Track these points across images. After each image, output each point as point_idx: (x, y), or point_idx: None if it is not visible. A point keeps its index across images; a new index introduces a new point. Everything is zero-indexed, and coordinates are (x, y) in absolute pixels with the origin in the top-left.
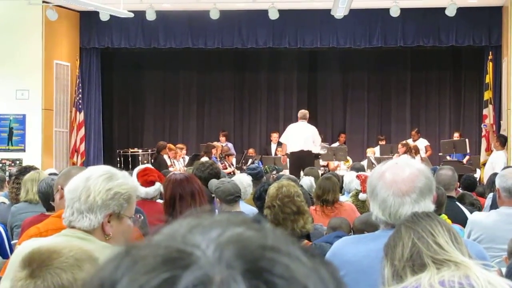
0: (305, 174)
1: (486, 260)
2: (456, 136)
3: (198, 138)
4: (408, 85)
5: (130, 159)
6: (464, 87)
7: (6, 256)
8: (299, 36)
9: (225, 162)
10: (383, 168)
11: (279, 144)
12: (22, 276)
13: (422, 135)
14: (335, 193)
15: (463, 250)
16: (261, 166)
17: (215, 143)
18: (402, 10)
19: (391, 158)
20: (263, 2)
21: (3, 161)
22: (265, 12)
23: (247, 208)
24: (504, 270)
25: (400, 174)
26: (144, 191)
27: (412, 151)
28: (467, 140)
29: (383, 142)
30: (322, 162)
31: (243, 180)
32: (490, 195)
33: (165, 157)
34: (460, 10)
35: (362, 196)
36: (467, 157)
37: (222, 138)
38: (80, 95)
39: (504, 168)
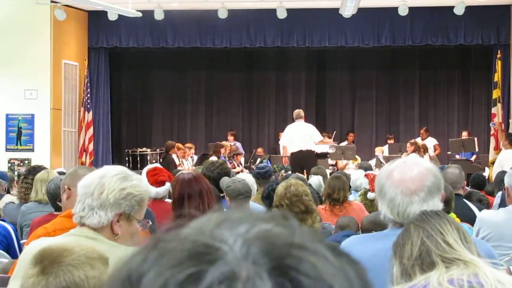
0: (314, 173)
1: (495, 259)
2: (464, 135)
3: (207, 138)
4: (416, 84)
5: (138, 159)
6: (473, 86)
7: (15, 256)
8: (307, 35)
9: (234, 162)
10: (392, 167)
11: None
12: (34, 273)
13: (430, 134)
14: (344, 192)
15: (472, 248)
16: (270, 165)
17: (223, 143)
18: (411, 8)
19: (399, 157)
20: (271, 1)
21: (12, 161)
22: (273, 11)
23: (254, 207)
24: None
25: (408, 173)
26: (155, 191)
27: (421, 150)
28: (475, 139)
29: (392, 141)
30: (330, 161)
31: (246, 180)
32: (499, 193)
33: (174, 156)
34: (469, 8)
35: (370, 195)
36: (475, 156)
37: (230, 138)
38: (88, 95)
39: None
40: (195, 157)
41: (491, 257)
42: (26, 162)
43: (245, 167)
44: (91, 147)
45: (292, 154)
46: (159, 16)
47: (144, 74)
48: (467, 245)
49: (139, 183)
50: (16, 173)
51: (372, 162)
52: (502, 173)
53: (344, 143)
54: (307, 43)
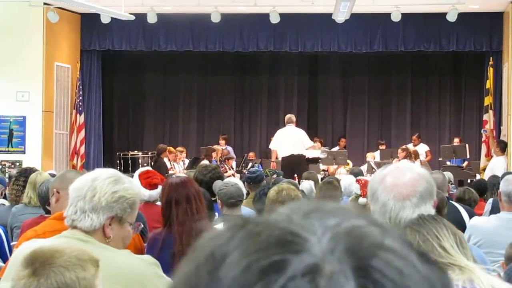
0: (305, 178)
1: (486, 265)
2: (456, 141)
3: (198, 141)
4: (408, 90)
5: (130, 162)
6: (465, 93)
7: (5, 258)
8: (300, 40)
9: (225, 166)
10: (384, 172)
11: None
12: (25, 275)
13: (422, 140)
14: (336, 197)
15: (468, 254)
16: (261, 169)
17: (215, 147)
18: (403, 15)
19: (390, 162)
20: (264, 6)
21: (3, 163)
22: (266, 16)
23: (245, 211)
24: (502, 275)
25: (401, 178)
26: (148, 194)
27: (412, 156)
28: (467, 145)
29: (383, 147)
30: (322, 166)
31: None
32: (490, 200)
33: (165, 160)
34: (461, 15)
35: (362, 200)
36: (466, 162)
37: (222, 142)
38: (80, 97)
39: (506, 173)
40: (187, 161)
41: (483, 263)
42: (17, 164)
43: (237, 171)
44: (82, 149)
45: (283, 158)
46: (152, 19)
47: (137, 77)
48: (463, 251)
49: (131, 186)
50: (7, 175)
51: (364, 168)
52: (494, 177)
53: (335, 148)
54: (299, 48)
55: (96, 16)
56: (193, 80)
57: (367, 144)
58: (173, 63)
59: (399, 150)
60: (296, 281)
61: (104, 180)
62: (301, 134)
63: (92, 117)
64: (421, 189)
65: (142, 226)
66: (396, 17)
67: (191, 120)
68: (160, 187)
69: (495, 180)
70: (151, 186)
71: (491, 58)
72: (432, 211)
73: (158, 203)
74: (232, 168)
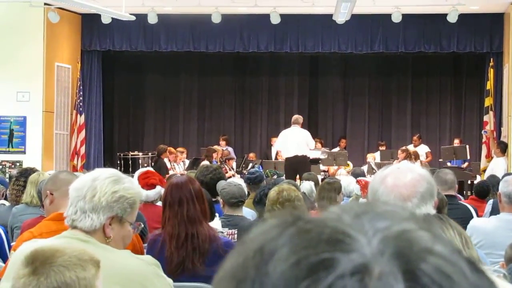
0: (305, 179)
1: (487, 266)
2: (456, 142)
3: (199, 142)
4: (409, 91)
5: (130, 162)
6: (465, 94)
7: (5, 258)
8: (300, 41)
9: (226, 166)
10: (385, 172)
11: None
12: (25, 273)
13: (422, 141)
14: (336, 198)
15: (474, 254)
16: (261, 170)
17: (215, 147)
18: (404, 16)
19: (391, 163)
20: (264, 7)
21: (3, 163)
22: (266, 17)
23: (246, 211)
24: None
25: (401, 179)
26: (145, 194)
27: (412, 157)
28: (467, 146)
29: (383, 148)
30: (322, 167)
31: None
32: (490, 201)
33: (166, 160)
34: (462, 16)
35: (362, 201)
36: (466, 163)
37: (222, 142)
38: (81, 98)
39: (506, 174)
40: (187, 161)
41: (484, 263)
42: (18, 164)
43: (237, 172)
44: (83, 150)
45: (287, 159)
46: (152, 20)
47: (137, 77)
48: (469, 251)
49: (131, 185)
50: (7, 175)
51: (364, 169)
52: (492, 177)
53: (336, 149)
54: (300, 48)
55: (97, 16)
56: (194, 80)
57: (368, 145)
58: (173, 63)
59: (399, 151)
60: (345, 280)
61: (104, 180)
62: (306, 135)
63: (93, 117)
64: (422, 190)
65: (142, 226)
66: (396, 18)
67: (192, 120)
68: (158, 187)
69: (494, 180)
70: (149, 186)
71: (491, 59)
72: (433, 212)
73: (159, 203)
74: (233, 169)
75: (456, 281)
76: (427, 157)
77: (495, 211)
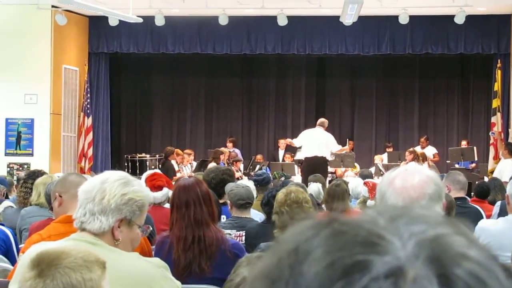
0: (312, 181)
1: None
2: (464, 143)
3: (206, 144)
4: (416, 93)
5: (137, 164)
6: (472, 95)
7: (14, 260)
8: (307, 43)
9: (233, 168)
10: (393, 174)
11: (287, 150)
12: (31, 276)
13: (430, 142)
14: (344, 199)
15: None
16: (269, 172)
17: (223, 149)
18: (411, 17)
19: (398, 165)
20: (272, 8)
21: (11, 165)
22: (274, 18)
23: (253, 213)
24: None
25: (410, 181)
26: (152, 196)
27: (420, 159)
28: (475, 148)
29: (391, 149)
30: (330, 169)
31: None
32: (498, 203)
33: (173, 162)
34: (469, 17)
35: (370, 203)
36: (474, 164)
37: (229, 144)
38: (88, 100)
39: None
40: (194, 163)
41: None
42: (25, 166)
43: (244, 174)
44: (90, 152)
45: (306, 159)
46: (159, 22)
47: (144, 79)
48: None
49: (140, 188)
50: (15, 177)
51: (372, 170)
52: (494, 180)
53: (345, 148)
54: (307, 50)
55: (104, 18)
56: (201, 82)
57: (375, 146)
58: (180, 65)
59: (407, 153)
60: (379, 282)
61: (114, 183)
62: (329, 138)
63: (100, 119)
64: (430, 192)
65: (151, 229)
66: (403, 20)
67: (199, 122)
68: (165, 189)
69: (496, 183)
70: (156, 188)
71: (499, 60)
72: (441, 214)
73: (166, 205)
74: (240, 171)
75: (490, 286)
76: (434, 157)
77: (503, 212)
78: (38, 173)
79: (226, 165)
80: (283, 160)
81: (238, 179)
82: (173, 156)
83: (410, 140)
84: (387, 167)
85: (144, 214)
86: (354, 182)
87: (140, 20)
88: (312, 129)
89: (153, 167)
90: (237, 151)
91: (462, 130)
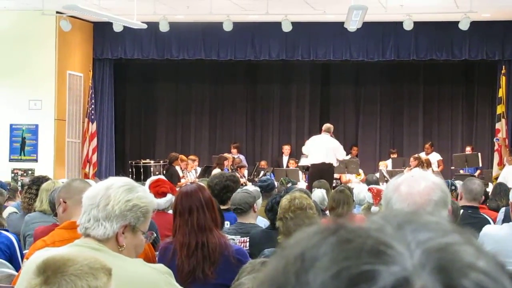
0: (316, 187)
1: None
2: (468, 150)
3: (210, 150)
4: (420, 99)
5: (142, 170)
6: (477, 101)
7: (18, 266)
8: (312, 49)
9: (237, 174)
10: (399, 180)
11: (291, 156)
12: (37, 283)
13: (434, 148)
14: (348, 205)
15: None
16: (273, 178)
17: (227, 155)
18: (415, 23)
19: (403, 171)
20: (276, 14)
21: (15, 171)
22: (278, 24)
23: (258, 219)
24: None
25: (415, 187)
26: (156, 202)
27: (424, 165)
28: (479, 154)
29: (395, 155)
30: (334, 175)
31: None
32: (503, 209)
33: (177, 168)
34: (474, 24)
35: (374, 209)
36: (478, 171)
37: (234, 150)
38: (92, 106)
39: None
40: (199, 169)
41: None
42: (30, 172)
43: (248, 180)
44: (94, 158)
45: (313, 165)
46: (164, 28)
47: (149, 85)
48: None
49: (144, 194)
50: (19, 183)
51: (376, 176)
52: (500, 184)
53: (347, 157)
54: (311, 56)
55: (109, 24)
56: (205, 88)
57: (379, 152)
58: (185, 71)
59: (411, 159)
60: None
61: (118, 189)
62: (335, 145)
63: (104, 125)
64: (436, 198)
65: (155, 235)
66: (408, 26)
67: (203, 128)
68: (169, 195)
69: (502, 187)
70: (159, 194)
71: (503, 66)
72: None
73: (170, 211)
74: (244, 177)
75: None
76: (439, 165)
77: (507, 218)
78: (43, 179)
79: (230, 171)
80: (287, 166)
81: (242, 185)
82: (177, 162)
83: (414, 146)
84: (391, 173)
85: (148, 221)
86: (358, 188)
87: (145, 26)
88: (318, 136)
89: (157, 173)
90: (242, 157)
91: (467, 136)
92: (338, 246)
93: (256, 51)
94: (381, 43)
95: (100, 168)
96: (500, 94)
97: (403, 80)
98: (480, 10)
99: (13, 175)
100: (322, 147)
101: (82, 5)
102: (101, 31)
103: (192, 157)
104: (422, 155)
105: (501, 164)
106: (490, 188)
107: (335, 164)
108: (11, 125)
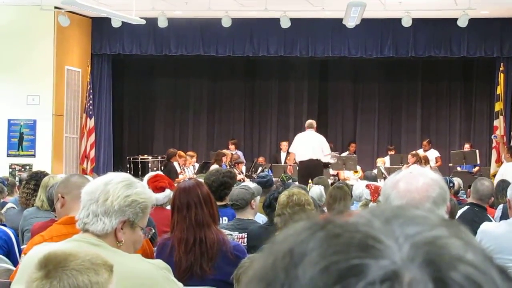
0: (315, 183)
1: None
2: (466, 147)
3: (208, 146)
4: (419, 96)
5: (140, 166)
6: (475, 98)
7: (15, 261)
8: (310, 45)
9: (235, 170)
10: (397, 177)
11: (289, 153)
12: (38, 277)
13: (432, 145)
14: (346, 202)
15: None
16: (271, 174)
17: (225, 151)
18: (414, 20)
19: (400, 168)
20: (275, 11)
21: (13, 166)
22: (277, 21)
23: (257, 215)
24: None
25: (414, 184)
26: (154, 198)
27: (422, 162)
28: (477, 151)
29: (393, 152)
30: (332, 172)
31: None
32: (500, 206)
33: (175, 164)
34: (472, 21)
35: (372, 206)
36: (476, 168)
37: (232, 146)
38: (90, 101)
39: None
40: (197, 165)
41: None
42: (28, 167)
43: (246, 176)
44: (92, 153)
45: (301, 162)
46: (162, 23)
47: (147, 81)
48: None
49: (143, 190)
50: (17, 178)
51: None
52: (503, 182)
53: (345, 153)
54: (310, 52)
55: (107, 20)
56: (203, 84)
57: (377, 149)
58: (183, 67)
59: (409, 156)
60: (375, 287)
61: (117, 184)
62: (321, 140)
63: (102, 121)
64: (434, 195)
65: (153, 231)
66: (406, 23)
67: (201, 124)
68: (167, 191)
69: (504, 185)
70: (158, 189)
71: (501, 63)
72: (445, 217)
73: (168, 207)
74: (242, 173)
75: None
76: (436, 162)
77: (504, 216)
78: (41, 174)
79: (228, 167)
80: (285, 162)
81: (240, 181)
82: (175, 158)
83: (412, 143)
84: (389, 170)
85: (147, 216)
86: (356, 185)
87: (143, 21)
88: (304, 133)
89: (155, 169)
90: (239, 153)
91: (465, 133)
92: (326, 241)
93: (254, 47)
94: (379, 40)
95: (98, 164)
96: (498, 91)
97: (401, 77)
98: (478, 7)
99: (11, 170)
100: (308, 144)
101: (81, 0)
102: (99, 26)
103: (190, 153)
104: (420, 152)
105: (499, 161)
106: None
107: (324, 160)
108: (9, 120)
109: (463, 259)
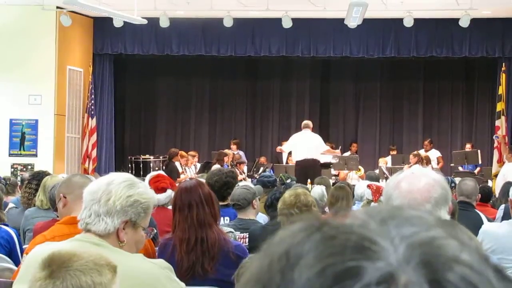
0: (317, 183)
1: None
2: (468, 147)
3: (210, 146)
4: (420, 95)
5: (141, 166)
6: (477, 98)
7: (17, 260)
8: (312, 45)
9: (236, 170)
10: (399, 177)
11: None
12: (41, 276)
13: (434, 145)
14: (348, 202)
15: None
16: (273, 174)
17: (226, 151)
18: (416, 20)
19: (402, 168)
20: (276, 11)
21: (15, 166)
22: (278, 21)
23: (259, 215)
24: None
25: (416, 184)
26: (156, 198)
27: (424, 162)
28: (479, 151)
29: (394, 152)
30: (333, 171)
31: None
32: (502, 206)
33: (177, 164)
34: (474, 21)
35: (373, 205)
36: (478, 168)
37: (233, 146)
38: (92, 101)
39: None
40: (198, 165)
41: None
42: (29, 167)
43: (248, 176)
44: (94, 153)
45: (297, 162)
46: (164, 23)
47: (149, 81)
48: None
49: (145, 190)
50: (19, 178)
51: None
52: (509, 183)
53: (347, 153)
54: (312, 52)
55: (109, 20)
56: (205, 84)
57: (379, 149)
58: (185, 67)
59: (411, 156)
60: None
61: (119, 184)
62: (317, 139)
63: (104, 120)
64: (436, 195)
65: (155, 231)
66: (408, 23)
67: (203, 124)
68: (169, 191)
69: (510, 186)
70: (159, 190)
71: (503, 63)
72: (447, 217)
73: (170, 207)
74: (244, 173)
75: None
76: (438, 162)
77: (506, 216)
78: (43, 174)
79: (230, 167)
80: (286, 162)
81: (241, 181)
82: (177, 158)
83: (414, 143)
84: (391, 170)
85: (149, 216)
86: (357, 185)
87: (145, 21)
88: (300, 133)
89: (156, 168)
90: (241, 153)
91: (466, 133)
92: (322, 243)
93: (256, 47)
94: (381, 40)
95: (100, 164)
96: (500, 92)
97: (403, 77)
98: (480, 7)
99: (12, 170)
100: (304, 144)
101: (82, 0)
102: (101, 26)
103: (192, 153)
104: (422, 152)
105: (500, 162)
106: (489, 185)
107: (321, 158)
108: (11, 120)
109: (459, 259)
